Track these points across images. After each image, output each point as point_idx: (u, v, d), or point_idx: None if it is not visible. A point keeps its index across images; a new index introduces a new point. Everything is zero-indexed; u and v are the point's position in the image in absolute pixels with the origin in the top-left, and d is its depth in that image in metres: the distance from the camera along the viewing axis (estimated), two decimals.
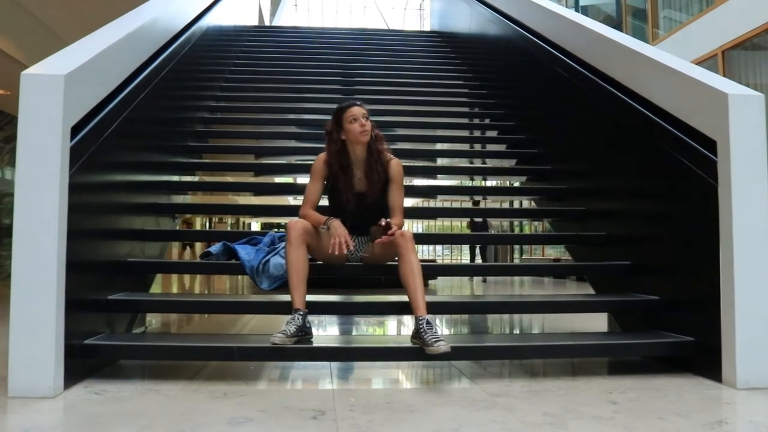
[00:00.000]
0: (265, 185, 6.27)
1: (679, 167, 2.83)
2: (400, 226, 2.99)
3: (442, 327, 4.61)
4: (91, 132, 2.54)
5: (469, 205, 7.63)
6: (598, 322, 3.91)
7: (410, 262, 2.72)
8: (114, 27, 3.09)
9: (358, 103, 3.02)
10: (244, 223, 28.14)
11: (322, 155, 3.07)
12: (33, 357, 2.23)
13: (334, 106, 3.09)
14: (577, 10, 12.68)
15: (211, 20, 5.45)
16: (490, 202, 7.46)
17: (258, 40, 8.39)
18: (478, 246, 12.95)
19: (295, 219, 2.92)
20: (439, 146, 6.13)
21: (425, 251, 25.17)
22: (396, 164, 3.06)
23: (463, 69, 7.37)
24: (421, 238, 3.84)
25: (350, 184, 3.02)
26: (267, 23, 14.63)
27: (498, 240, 12.51)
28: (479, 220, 11.60)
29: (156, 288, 4.80)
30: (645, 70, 3.20)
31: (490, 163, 5.72)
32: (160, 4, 3.86)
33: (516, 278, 11.86)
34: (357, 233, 3.07)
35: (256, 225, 30.15)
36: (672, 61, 3.06)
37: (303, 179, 5.56)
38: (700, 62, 8.56)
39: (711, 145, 2.64)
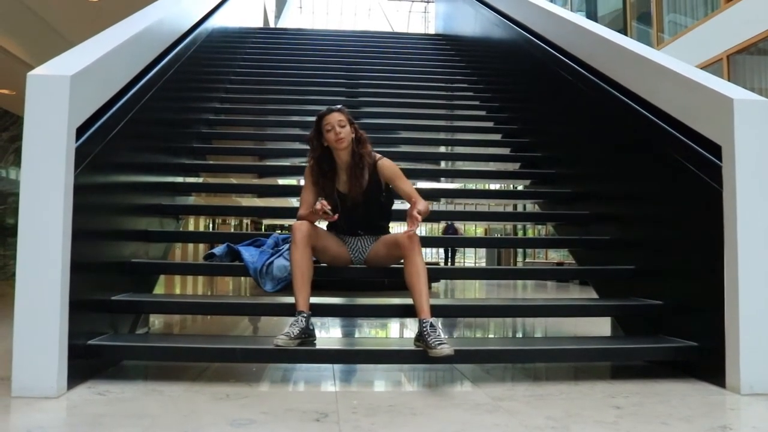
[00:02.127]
0: (268, 187, 6.27)
1: (684, 172, 2.83)
2: (426, 210, 2.79)
3: (445, 330, 4.60)
4: (97, 133, 2.55)
5: (472, 208, 7.62)
6: (601, 327, 3.90)
7: (416, 265, 2.72)
8: (120, 28, 3.10)
9: (337, 108, 2.98)
10: (247, 224, 28.17)
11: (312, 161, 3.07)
12: (37, 357, 2.23)
13: (339, 107, 3.08)
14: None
15: (217, 22, 5.46)
16: (494, 205, 7.46)
17: (262, 41, 8.40)
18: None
19: (301, 221, 2.92)
20: (442, 149, 6.14)
21: (428, 254, 25.14)
22: (384, 164, 3.01)
23: (468, 72, 7.37)
24: (424, 241, 3.83)
25: (333, 188, 3.00)
26: (272, 25, 14.67)
27: (502, 243, 12.64)
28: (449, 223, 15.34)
29: (159, 289, 4.81)
30: (650, 75, 3.20)
31: (494, 166, 5.72)
32: (166, 6, 3.88)
33: (519, 281, 11.84)
34: (351, 234, 3.07)
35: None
36: (677, 65, 3.06)
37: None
38: (705, 67, 8.55)
39: (716, 149, 2.64)
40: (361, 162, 2.98)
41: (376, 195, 3.02)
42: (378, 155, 3.06)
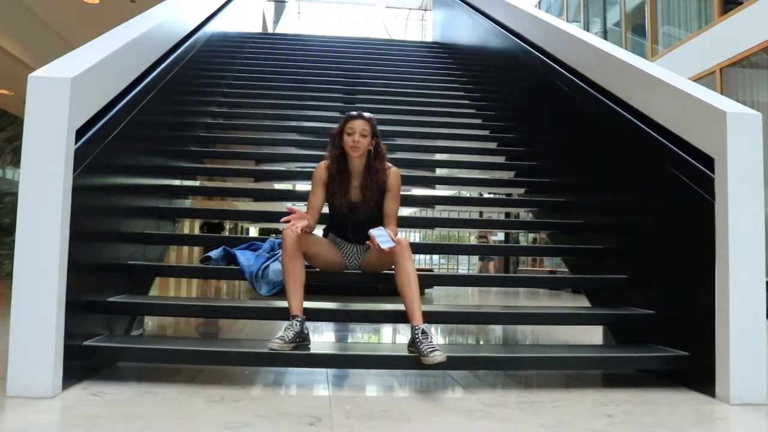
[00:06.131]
0: (264, 191, 6.28)
1: (677, 183, 2.86)
2: (395, 235, 2.99)
3: (438, 336, 4.62)
4: (96, 135, 2.57)
5: (466, 215, 7.65)
6: (593, 335, 3.93)
7: (406, 271, 2.73)
8: (120, 31, 3.12)
9: (366, 116, 2.99)
10: (243, 228, 28.12)
11: (323, 162, 3.08)
12: (32, 357, 2.24)
13: (336, 113, 3.11)
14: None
15: (216, 26, 5.49)
16: (487, 213, 7.48)
17: (261, 46, 8.43)
18: None
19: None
20: (438, 156, 6.16)
21: (421, 260, 25.16)
22: (394, 173, 3.04)
23: (464, 80, 7.41)
24: (418, 248, 3.85)
25: (346, 189, 3.02)
26: (270, 31, 14.71)
27: (496, 251, 12.69)
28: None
29: (155, 291, 4.80)
30: (645, 86, 3.24)
31: (489, 174, 5.75)
32: (166, 10, 3.90)
33: (511, 289, 11.87)
34: (354, 241, 3.09)
35: (254, 230, 30.15)
36: (671, 78, 3.09)
37: (302, 186, 5.57)
38: (698, 79, 8.62)
39: (709, 162, 2.67)
40: (376, 176, 2.99)
41: (381, 204, 3.04)
42: (391, 166, 3.08)
